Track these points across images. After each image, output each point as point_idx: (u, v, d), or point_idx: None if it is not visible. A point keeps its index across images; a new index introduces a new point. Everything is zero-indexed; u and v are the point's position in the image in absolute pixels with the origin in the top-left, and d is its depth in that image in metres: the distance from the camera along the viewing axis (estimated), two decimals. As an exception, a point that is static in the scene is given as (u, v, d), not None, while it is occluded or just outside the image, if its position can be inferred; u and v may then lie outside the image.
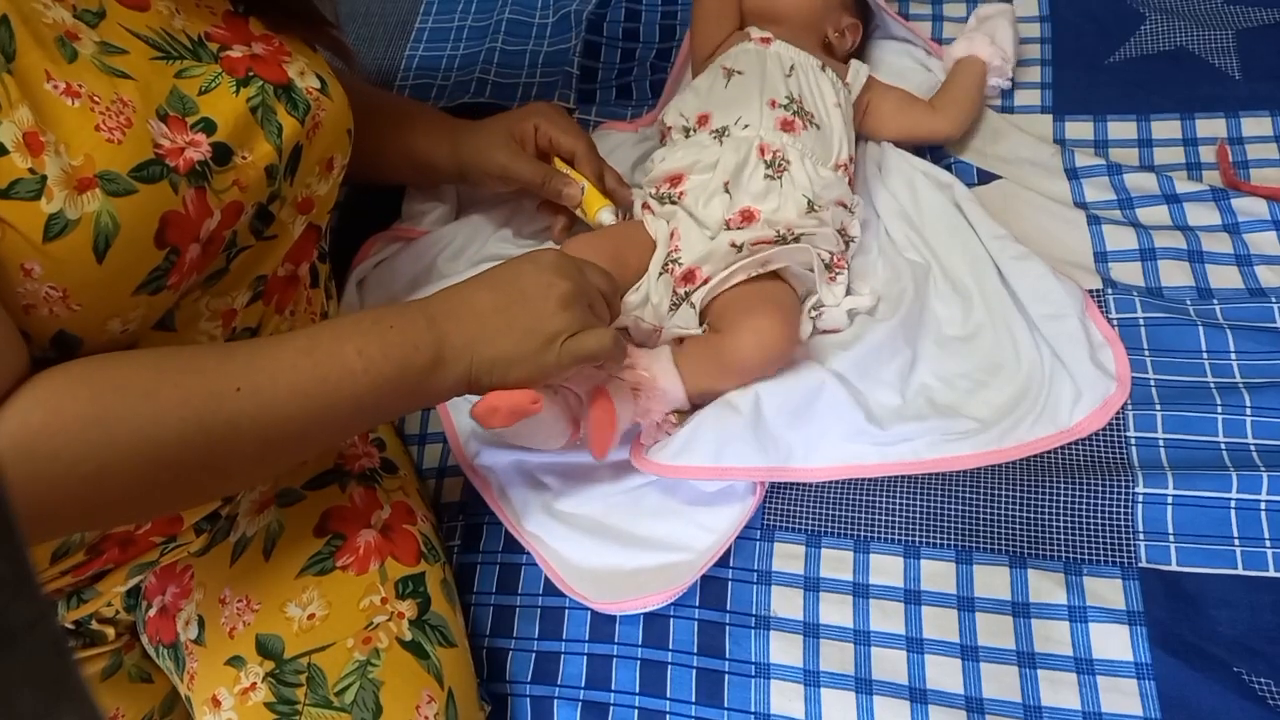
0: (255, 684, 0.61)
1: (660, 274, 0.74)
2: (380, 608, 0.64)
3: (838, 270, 0.77)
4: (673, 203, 0.77)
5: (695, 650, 0.67)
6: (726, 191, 0.75)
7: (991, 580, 0.65)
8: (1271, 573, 0.61)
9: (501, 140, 0.82)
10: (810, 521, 0.70)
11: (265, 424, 0.49)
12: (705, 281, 0.73)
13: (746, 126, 0.78)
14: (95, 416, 0.45)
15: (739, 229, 0.74)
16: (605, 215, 0.79)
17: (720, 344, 0.69)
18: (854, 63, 0.87)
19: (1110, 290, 0.74)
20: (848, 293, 0.77)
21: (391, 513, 0.69)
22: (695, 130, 0.80)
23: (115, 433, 0.45)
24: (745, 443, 0.67)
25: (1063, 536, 0.65)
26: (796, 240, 0.74)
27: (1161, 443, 0.67)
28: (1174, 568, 0.62)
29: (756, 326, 0.68)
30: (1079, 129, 0.87)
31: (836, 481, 0.70)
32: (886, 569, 0.67)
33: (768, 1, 0.86)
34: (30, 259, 0.46)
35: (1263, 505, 0.63)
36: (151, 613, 0.67)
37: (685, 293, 0.73)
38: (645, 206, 0.80)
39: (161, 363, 0.49)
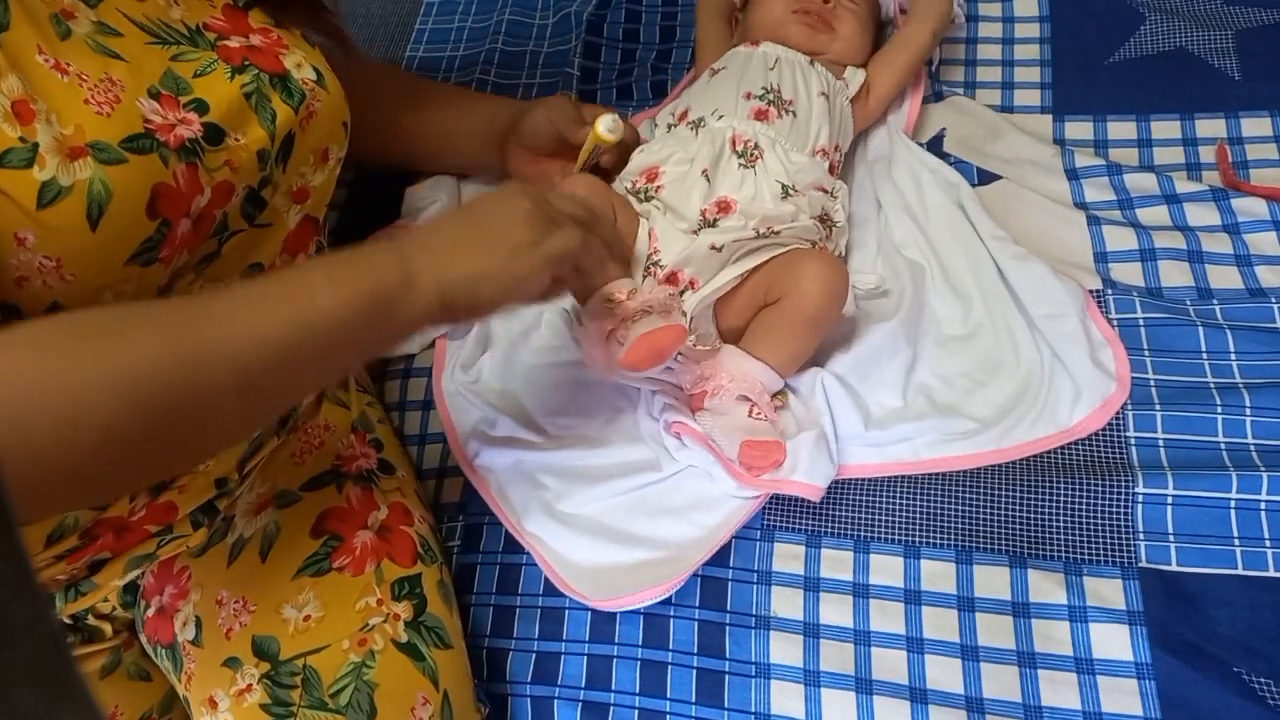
0: (251, 685, 0.61)
1: (644, 277, 0.74)
2: (376, 609, 0.64)
3: None
4: (647, 199, 0.77)
5: (695, 650, 0.67)
6: (706, 179, 0.75)
7: (992, 580, 0.65)
8: (1271, 573, 0.61)
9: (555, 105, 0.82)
10: (810, 521, 0.70)
11: (243, 353, 0.46)
12: (691, 284, 0.72)
13: (721, 117, 0.78)
14: (69, 359, 0.42)
15: (716, 220, 0.74)
16: (605, 122, 0.76)
17: (789, 307, 0.70)
18: (850, 68, 0.87)
19: (1110, 290, 0.74)
20: None
21: (388, 514, 0.69)
22: (675, 125, 0.81)
23: (91, 374, 0.42)
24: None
25: (1063, 536, 0.65)
26: (777, 235, 0.74)
27: (1161, 443, 0.67)
28: (1174, 568, 0.62)
29: (813, 274, 0.69)
30: (1079, 129, 0.87)
31: (837, 481, 0.70)
32: (887, 569, 0.67)
33: (817, 53, 0.86)
34: (24, 228, 0.46)
35: (1262, 505, 0.62)
36: (150, 613, 0.67)
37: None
38: None
39: (133, 306, 0.49)
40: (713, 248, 0.72)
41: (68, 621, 0.67)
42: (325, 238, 0.72)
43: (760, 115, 0.78)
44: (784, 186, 0.75)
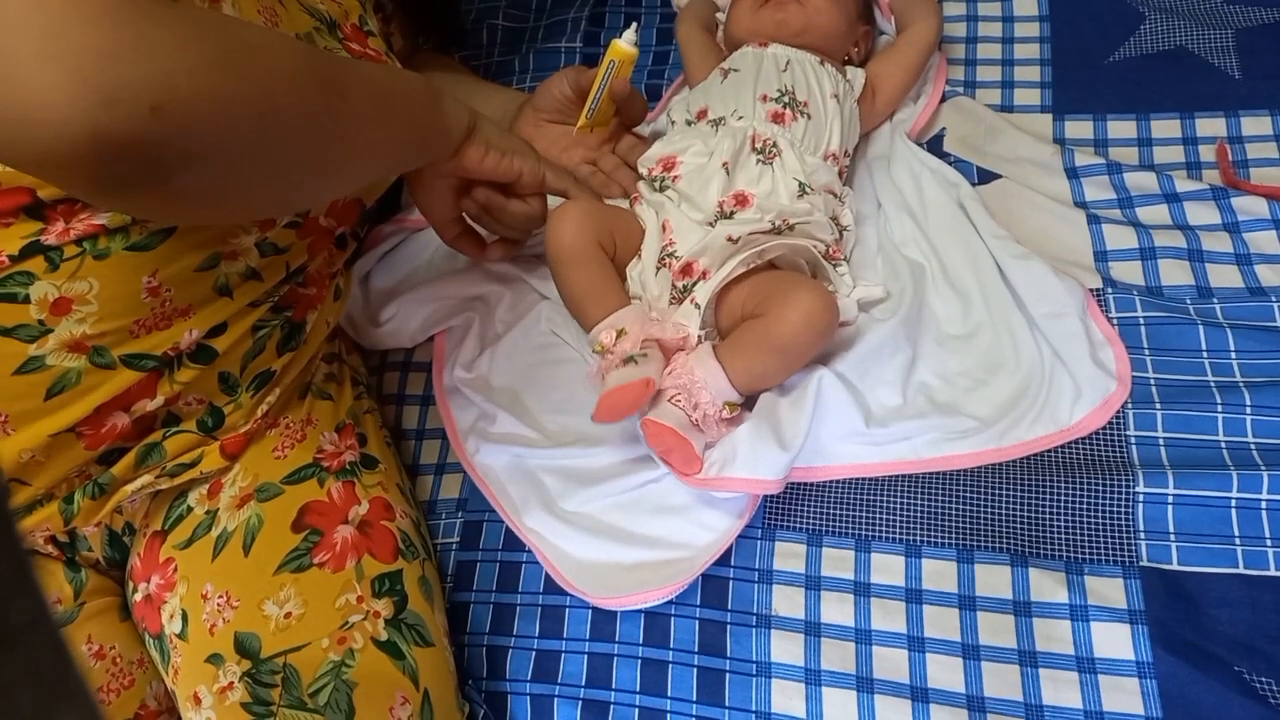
0: (232, 683, 0.61)
1: (658, 269, 0.74)
2: (356, 606, 0.63)
3: (834, 260, 0.77)
4: (663, 189, 0.77)
5: (696, 649, 0.67)
6: (726, 171, 0.75)
7: (993, 579, 0.65)
8: (1272, 571, 0.61)
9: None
10: (811, 520, 0.69)
11: (373, 78, 0.59)
12: (704, 274, 0.73)
13: (741, 118, 0.78)
14: (264, 34, 0.52)
15: (732, 213, 0.74)
16: (625, 35, 0.79)
17: (764, 325, 0.69)
18: (850, 68, 0.87)
19: (1110, 289, 0.74)
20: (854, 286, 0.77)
21: (369, 509, 0.69)
22: (695, 122, 0.81)
23: (285, 48, 0.50)
24: (774, 452, 0.67)
25: (1064, 535, 0.65)
26: (791, 229, 0.74)
27: (1162, 441, 0.67)
28: (1175, 567, 0.62)
29: (799, 302, 0.68)
30: (1079, 128, 0.87)
31: (837, 481, 0.70)
32: (888, 568, 0.67)
33: (799, 35, 0.86)
34: None
35: (1263, 504, 0.62)
36: (138, 598, 0.68)
37: (684, 286, 0.73)
38: (635, 198, 0.80)
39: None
40: (729, 239, 0.72)
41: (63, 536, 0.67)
42: (363, 229, 0.80)
43: (777, 118, 0.78)
44: (800, 184, 0.76)
